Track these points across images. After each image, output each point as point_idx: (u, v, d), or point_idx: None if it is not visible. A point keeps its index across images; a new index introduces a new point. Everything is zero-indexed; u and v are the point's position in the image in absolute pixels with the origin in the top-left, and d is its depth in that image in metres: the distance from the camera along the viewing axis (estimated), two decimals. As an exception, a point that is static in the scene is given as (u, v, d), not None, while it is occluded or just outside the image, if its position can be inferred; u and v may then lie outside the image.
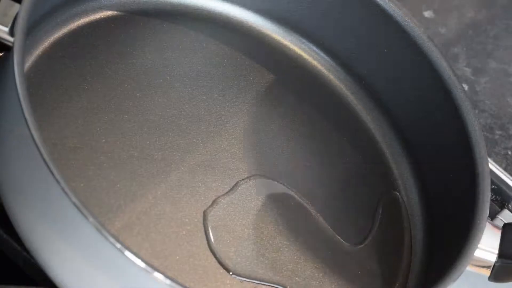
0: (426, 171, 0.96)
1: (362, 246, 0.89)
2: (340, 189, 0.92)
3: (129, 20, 0.93)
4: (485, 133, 1.18)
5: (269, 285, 0.82)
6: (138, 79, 0.89)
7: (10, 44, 0.76)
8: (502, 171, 1.04)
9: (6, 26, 0.76)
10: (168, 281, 0.68)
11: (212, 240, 0.83)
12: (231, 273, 0.82)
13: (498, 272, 0.86)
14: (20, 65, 0.71)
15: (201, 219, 0.83)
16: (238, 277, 0.81)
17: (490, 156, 1.00)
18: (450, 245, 0.85)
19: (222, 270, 0.81)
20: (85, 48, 0.88)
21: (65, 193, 0.67)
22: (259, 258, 0.84)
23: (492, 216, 1.03)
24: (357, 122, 0.99)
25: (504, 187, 1.04)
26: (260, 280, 0.82)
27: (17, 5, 0.76)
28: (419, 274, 0.89)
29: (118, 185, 0.81)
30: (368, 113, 0.98)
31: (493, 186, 1.03)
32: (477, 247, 0.82)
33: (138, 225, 0.79)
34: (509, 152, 1.18)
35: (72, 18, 0.89)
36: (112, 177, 0.81)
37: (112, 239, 0.67)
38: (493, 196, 1.04)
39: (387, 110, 0.99)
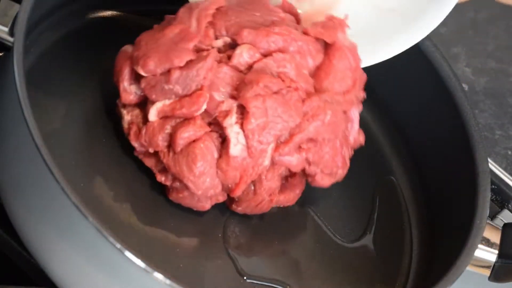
0: (426, 171, 0.96)
1: (360, 242, 0.89)
2: (339, 188, 0.92)
3: (129, 20, 0.93)
4: (485, 133, 1.18)
5: (270, 285, 0.82)
6: (138, 79, 0.89)
7: (10, 44, 0.76)
8: (502, 171, 1.04)
9: (6, 26, 0.76)
10: (168, 281, 0.68)
11: (227, 245, 0.83)
12: (245, 277, 0.82)
13: (498, 272, 0.86)
14: (20, 65, 0.71)
15: (206, 222, 0.83)
16: (249, 280, 0.82)
17: (490, 156, 1.00)
18: (450, 245, 0.85)
19: (232, 274, 0.81)
20: (85, 48, 0.88)
21: (65, 193, 0.67)
22: (268, 261, 0.84)
23: (492, 216, 1.03)
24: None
25: (504, 187, 1.04)
26: (266, 282, 0.82)
27: (17, 5, 0.76)
28: (419, 274, 0.89)
29: (119, 185, 0.81)
30: (368, 112, 0.98)
31: (493, 186, 1.02)
32: (477, 247, 0.82)
33: (138, 225, 0.79)
34: (509, 152, 1.18)
35: (72, 18, 0.89)
36: (113, 176, 0.81)
37: (112, 239, 0.67)
38: (493, 196, 1.04)
39: (387, 110, 0.99)
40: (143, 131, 0.79)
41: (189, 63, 0.78)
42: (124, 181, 0.81)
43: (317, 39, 0.83)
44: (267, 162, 0.79)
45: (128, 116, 0.82)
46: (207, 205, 0.80)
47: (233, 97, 0.78)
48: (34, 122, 0.68)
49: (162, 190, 0.82)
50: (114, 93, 0.86)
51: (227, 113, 0.78)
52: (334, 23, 0.84)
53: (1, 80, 0.75)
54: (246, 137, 0.77)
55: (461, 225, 0.85)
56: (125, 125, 0.82)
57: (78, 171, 0.79)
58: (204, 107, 0.78)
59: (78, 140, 0.81)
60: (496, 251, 0.85)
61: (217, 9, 0.82)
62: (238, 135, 0.77)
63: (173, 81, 0.78)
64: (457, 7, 0.96)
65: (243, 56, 0.79)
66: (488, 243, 0.85)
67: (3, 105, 0.74)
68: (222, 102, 0.78)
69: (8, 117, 0.73)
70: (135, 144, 0.80)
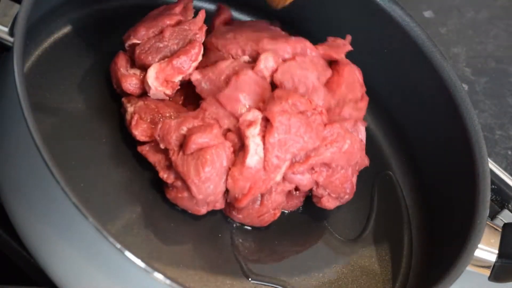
0: (426, 171, 0.96)
1: (360, 241, 0.89)
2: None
3: (129, 20, 0.92)
4: (485, 133, 1.18)
5: (273, 286, 0.82)
6: (138, 79, 0.89)
7: (10, 44, 0.76)
8: (502, 171, 1.04)
9: (6, 26, 0.76)
10: (168, 281, 0.68)
11: (235, 244, 0.83)
12: (250, 279, 0.82)
13: (498, 272, 0.86)
14: (20, 65, 0.71)
15: (211, 224, 0.83)
16: (253, 281, 0.82)
17: (490, 156, 1.00)
18: (450, 245, 0.85)
19: (238, 275, 0.81)
20: (85, 48, 0.88)
21: (65, 193, 0.67)
22: (270, 261, 0.84)
23: (492, 216, 1.03)
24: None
25: (504, 187, 1.04)
26: (269, 282, 0.82)
27: (17, 5, 0.76)
28: (419, 274, 0.89)
29: (118, 185, 0.81)
30: (368, 112, 0.98)
31: (493, 186, 1.03)
32: (477, 247, 0.82)
33: (138, 225, 0.79)
34: (509, 152, 1.18)
35: (72, 18, 0.89)
36: (112, 177, 0.81)
37: (112, 239, 0.67)
38: (493, 196, 1.04)
39: (387, 110, 0.99)
40: (159, 126, 0.80)
41: (179, 22, 0.84)
42: (124, 181, 0.81)
43: (324, 55, 0.87)
44: (279, 178, 0.80)
45: (131, 108, 0.82)
46: (203, 210, 0.80)
47: (259, 108, 0.80)
48: (34, 122, 0.68)
49: (163, 190, 0.82)
50: (114, 92, 0.86)
51: (251, 123, 0.79)
52: (338, 43, 0.88)
53: (1, 80, 0.75)
54: (265, 150, 0.78)
55: (461, 225, 0.85)
56: (128, 117, 0.82)
57: (78, 171, 0.79)
58: (200, 58, 0.82)
59: (78, 140, 0.81)
60: (496, 251, 0.85)
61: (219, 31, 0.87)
62: (257, 147, 0.78)
63: (167, 38, 0.83)
64: (457, 7, 0.97)
65: (268, 60, 0.82)
66: (488, 243, 0.85)
67: (3, 105, 0.74)
68: (246, 108, 0.80)
69: (8, 117, 0.73)
70: (135, 132, 0.81)
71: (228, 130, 0.80)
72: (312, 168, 0.82)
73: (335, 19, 0.98)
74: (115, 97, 0.86)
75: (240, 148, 0.79)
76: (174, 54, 0.82)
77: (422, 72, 0.95)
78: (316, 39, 0.97)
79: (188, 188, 0.78)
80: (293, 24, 1.00)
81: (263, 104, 0.80)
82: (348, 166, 0.84)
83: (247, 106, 0.80)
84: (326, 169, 0.83)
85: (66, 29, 0.89)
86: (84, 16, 0.91)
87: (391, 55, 0.95)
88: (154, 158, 0.80)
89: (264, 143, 0.78)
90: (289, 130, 0.79)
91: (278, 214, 0.83)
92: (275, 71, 0.82)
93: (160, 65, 0.82)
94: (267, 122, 0.79)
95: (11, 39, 0.76)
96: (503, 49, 1.30)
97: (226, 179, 0.79)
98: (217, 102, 0.80)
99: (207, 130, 0.78)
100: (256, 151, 0.78)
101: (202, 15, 0.86)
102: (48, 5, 0.86)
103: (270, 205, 0.82)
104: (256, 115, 0.79)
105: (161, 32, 0.83)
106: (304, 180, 0.82)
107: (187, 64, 0.82)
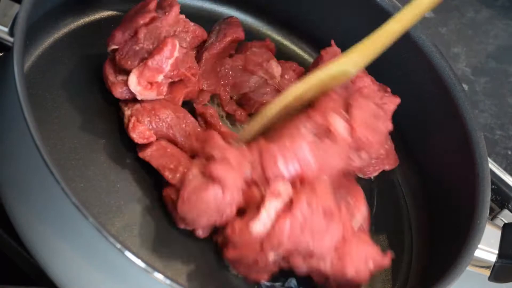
0: (426, 171, 0.96)
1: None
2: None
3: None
4: (485, 133, 1.18)
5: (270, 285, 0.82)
6: (138, 79, 0.89)
7: (10, 44, 0.76)
8: (502, 171, 1.04)
9: (6, 26, 0.76)
10: (168, 281, 0.68)
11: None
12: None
13: (498, 272, 0.86)
14: (20, 65, 0.71)
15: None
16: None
17: (490, 156, 1.00)
18: (450, 245, 0.85)
19: (224, 271, 0.81)
20: (85, 48, 0.88)
21: (65, 193, 0.67)
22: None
23: (492, 216, 1.03)
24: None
25: (504, 187, 1.04)
26: (269, 281, 0.83)
27: (17, 5, 0.76)
28: (419, 274, 0.89)
29: (118, 185, 0.81)
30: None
31: (493, 186, 1.02)
32: (477, 247, 0.82)
33: (138, 225, 0.79)
34: (509, 152, 1.18)
35: (72, 18, 0.89)
36: (112, 177, 0.81)
37: (112, 239, 0.67)
38: (493, 196, 1.04)
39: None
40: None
41: (153, 19, 0.82)
42: (124, 181, 0.81)
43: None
44: (271, 258, 0.77)
45: (128, 111, 0.82)
46: (181, 225, 0.79)
47: (294, 183, 0.77)
48: (34, 122, 0.68)
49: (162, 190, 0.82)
50: (114, 93, 0.86)
51: (276, 195, 0.76)
52: (330, 52, 0.92)
53: (1, 80, 0.75)
54: (272, 228, 0.75)
55: (461, 225, 0.85)
56: (125, 120, 0.82)
57: (78, 171, 0.79)
58: (176, 54, 0.80)
59: (78, 140, 0.81)
60: (496, 251, 0.85)
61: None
62: (267, 221, 0.76)
63: (142, 39, 0.81)
64: (457, 7, 0.97)
65: None
66: (488, 243, 0.85)
67: (3, 105, 0.74)
68: (281, 174, 0.77)
69: (8, 117, 0.73)
70: (133, 135, 0.80)
71: (254, 182, 0.78)
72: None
73: (335, 19, 0.98)
74: (114, 97, 0.86)
75: (256, 205, 0.77)
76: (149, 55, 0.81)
77: (422, 72, 0.95)
78: (316, 39, 0.97)
79: (177, 197, 0.77)
80: (294, 26, 1.00)
81: (300, 184, 0.78)
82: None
83: (285, 174, 0.78)
84: (323, 264, 0.78)
85: (66, 29, 0.89)
86: (84, 17, 0.91)
87: (391, 55, 0.95)
88: (158, 163, 0.80)
89: (275, 222, 0.76)
90: (304, 229, 0.75)
91: (270, 272, 0.80)
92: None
93: (139, 69, 0.80)
94: (291, 204, 0.76)
95: (11, 39, 0.76)
96: (503, 49, 1.30)
97: (222, 217, 0.77)
98: (259, 151, 0.78)
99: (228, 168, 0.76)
100: (264, 224, 0.76)
101: (175, 12, 0.83)
102: (48, 5, 0.86)
103: (263, 265, 0.78)
104: (287, 191, 0.77)
105: (136, 33, 0.81)
106: (298, 264, 0.79)
107: (164, 62, 0.80)
